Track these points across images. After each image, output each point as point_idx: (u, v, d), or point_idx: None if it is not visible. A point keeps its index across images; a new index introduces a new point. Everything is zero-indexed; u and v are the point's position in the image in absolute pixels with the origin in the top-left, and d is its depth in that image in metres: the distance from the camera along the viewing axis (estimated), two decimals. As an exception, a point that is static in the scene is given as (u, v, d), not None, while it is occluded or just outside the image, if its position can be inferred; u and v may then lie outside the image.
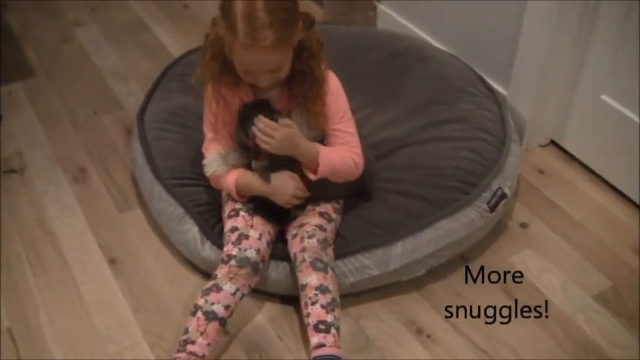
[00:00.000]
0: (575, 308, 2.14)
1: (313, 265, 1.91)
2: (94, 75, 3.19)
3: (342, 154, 1.99)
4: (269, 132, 1.87)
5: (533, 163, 2.67)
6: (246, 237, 1.96)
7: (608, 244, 2.35)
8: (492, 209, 2.21)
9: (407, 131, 2.43)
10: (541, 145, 2.75)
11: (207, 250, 2.14)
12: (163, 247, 2.34)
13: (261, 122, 1.86)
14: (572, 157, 2.68)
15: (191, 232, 2.18)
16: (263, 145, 1.86)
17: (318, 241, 1.96)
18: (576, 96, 2.57)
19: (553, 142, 2.74)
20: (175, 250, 2.29)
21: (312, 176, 1.97)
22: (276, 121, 1.88)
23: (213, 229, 2.16)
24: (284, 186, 1.98)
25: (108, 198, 2.55)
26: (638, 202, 2.46)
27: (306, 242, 1.95)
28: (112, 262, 2.31)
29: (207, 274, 2.08)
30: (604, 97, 2.46)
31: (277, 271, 2.08)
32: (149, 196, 2.35)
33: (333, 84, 1.98)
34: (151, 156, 2.36)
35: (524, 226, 2.41)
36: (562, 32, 2.40)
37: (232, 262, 1.91)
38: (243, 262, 1.91)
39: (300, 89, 1.92)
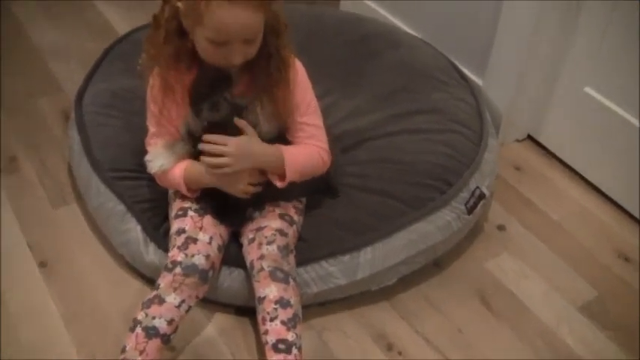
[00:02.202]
0: (558, 319, 1.97)
1: (273, 275, 1.70)
2: (29, 53, 2.91)
3: (307, 151, 1.79)
4: (219, 149, 1.69)
5: (509, 159, 2.50)
6: (194, 241, 1.73)
7: (590, 248, 2.19)
8: (470, 211, 2.02)
9: (374, 122, 2.24)
10: (517, 140, 2.59)
11: (152, 254, 1.91)
12: (102, 248, 2.10)
13: (207, 140, 1.70)
14: (550, 154, 2.53)
15: (133, 232, 1.94)
16: (217, 171, 1.72)
17: (279, 247, 1.74)
18: (557, 87, 2.40)
19: (530, 137, 2.59)
20: (116, 253, 2.05)
21: (279, 184, 1.77)
22: (236, 106, 1.69)
23: (158, 229, 1.93)
24: (237, 174, 1.75)
25: (40, 191, 2.29)
26: (622, 203, 2.31)
27: (265, 249, 1.73)
28: (42, 265, 2.05)
29: (152, 281, 1.85)
30: (588, 89, 2.29)
31: (231, 279, 1.85)
32: (86, 190, 2.10)
33: (299, 71, 1.79)
34: (88, 144, 2.11)
35: (501, 228, 2.24)
36: (545, 18, 2.22)
37: (177, 269, 1.69)
38: (190, 269, 1.69)
39: (264, 73, 1.71)
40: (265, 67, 1.70)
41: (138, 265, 1.98)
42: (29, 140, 2.48)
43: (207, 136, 1.69)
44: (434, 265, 2.07)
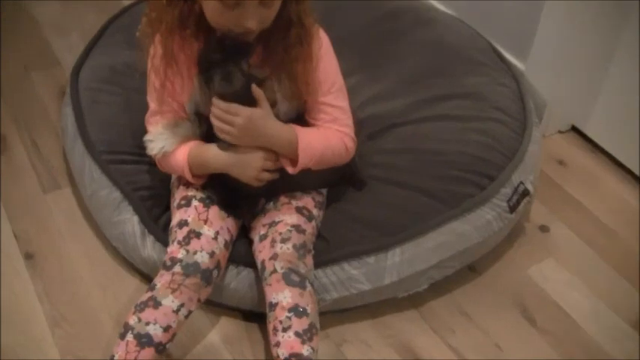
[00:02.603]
0: (609, 336, 1.74)
1: (287, 279, 1.47)
2: (28, 25, 2.72)
3: (328, 135, 1.57)
4: (228, 118, 1.46)
5: (551, 153, 2.27)
6: (198, 235, 1.51)
7: (644, 255, 1.95)
8: (513, 209, 1.79)
9: (403, 106, 2.00)
10: (560, 132, 2.36)
11: (149, 248, 1.68)
12: (96, 239, 1.89)
13: (218, 107, 1.47)
14: (596, 147, 2.30)
15: (129, 223, 1.71)
16: (222, 136, 1.50)
17: (295, 246, 1.51)
18: (606, 75, 2.17)
19: (574, 129, 2.36)
20: (111, 245, 1.83)
21: (290, 169, 1.55)
22: (253, 78, 1.46)
23: (157, 220, 1.71)
24: (249, 158, 1.53)
25: (31, 174, 2.09)
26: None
27: (279, 248, 1.51)
28: (28, 257, 1.85)
29: (150, 278, 1.63)
30: (642, 76, 2.03)
31: (238, 280, 1.63)
32: (79, 175, 1.88)
33: (323, 42, 1.56)
34: (82, 124, 1.89)
35: (543, 229, 2.01)
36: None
37: (177, 268, 1.47)
38: (191, 268, 1.47)
39: (283, 44, 1.48)
40: (284, 38, 1.47)
41: (134, 261, 1.76)
42: (21, 118, 2.28)
43: (217, 102, 1.46)
44: (469, 269, 1.85)
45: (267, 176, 1.54)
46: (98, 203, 1.79)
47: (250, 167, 1.52)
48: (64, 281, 1.78)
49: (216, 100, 1.46)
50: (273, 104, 1.52)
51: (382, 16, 2.30)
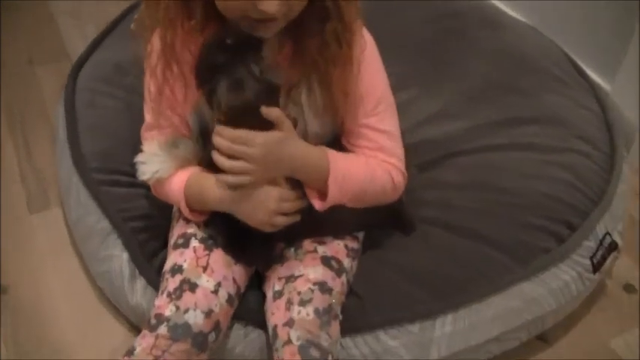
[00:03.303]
0: None
1: (304, 353, 1.13)
2: (40, 13, 2.48)
3: (371, 165, 1.22)
4: (239, 151, 1.12)
5: (637, 190, 1.90)
6: (192, 287, 1.19)
7: None
8: (597, 268, 1.45)
9: (464, 130, 1.65)
10: (649, 166, 1.97)
11: (139, 295, 1.37)
12: (82, 273, 1.60)
13: (222, 137, 1.12)
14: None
15: (117, 260, 1.40)
16: (236, 181, 1.15)
17: (317, 312, 1.17)
18: None
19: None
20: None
21: (317, 204, 1.20)
22: (269, 85, 1.12)
23: (152, 259, 1.39)
24: (260, 197, 1.18)
25: (19, 188, 1.81)
26: None
27: (297, 312, 1.17)
28: (2, 291, 1.56)
29: (140, 330, 1.29)
30: None
31: (245, 344, 1.30)
32: (65, 195, 1.57)
33: (368, 45, 1.21)
34: (75, 131, 1.60)
35: (629, 289, 1.66)
36: None
37: (162, 329, 1.15)
38: (180, 331, 1.14)
39: (316, 41, 1.14)
40: (318, 33, 1.13)
41: (120, 307, 1.44)
42: (17, 119, 2.02)
43: (222, 130, 1.12)
44: (537, 339, 1.49)
45: (282, 221, 1.19)
46: (83, 232, 1.49)
47: (261, 210, 1.17)
48: (37, 323, 1.49)
49: (220, 129, 1.11)
50: (297, 121, 1.18)
51: (441, 17, 1.98)
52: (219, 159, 1.13)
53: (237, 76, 1.09)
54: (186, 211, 1.24)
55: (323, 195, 1.20)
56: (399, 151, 1.24)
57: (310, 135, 1.22)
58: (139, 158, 1.25)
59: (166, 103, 1.23)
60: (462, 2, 2.02)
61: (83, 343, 1.44)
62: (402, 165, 1.24)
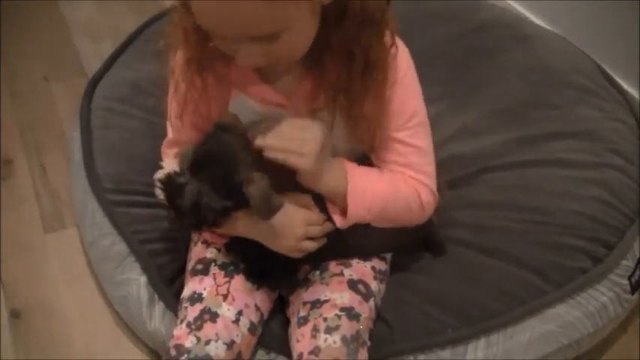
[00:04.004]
0: None
1: (331, 383, 1.05)
2: (56, 28, 2.40)
3: (397, 182, 1.15)
4: (293, 145, 1.05)
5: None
6: (213, 317, 1.13)
7: None
8: (635, 288, 1.37)
9: (496, 145, 1.58)
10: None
11: (157, 320, 1.31)
12: (99, 297, 1.54)
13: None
14: None
15: (134, 284, 1.34)
16: (293, 162, 1.05)
17: (344, 339, 1.10)
18: None
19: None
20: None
21: (338, 221, 1.14)
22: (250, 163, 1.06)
23: (171, 283, 1.34)
24: (287, 222, 1.12)
25: (34, 207, 1.75)
26: None
27: (323, 340, 1.10)
28: (14, 314, 1.50)
29: (159, 356, 1.30)
30: None
31: (268, 371, 1.22)
32: (81, 216, 1.52)
33: (403, 61, 1.13)
34: (89, 152, 1.54)
35: None
36: None
37: (183, 360, 1.06)
38: (202, 364, 1.07)
39: (341, 76, 1.06)
40: (344, 67, 1.06)
41: (138, 332, 1.39)
42: (32, 138, 1.95)
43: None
44: (571, 361, 1.41)
45: (310, 246, 1.13)
46: (99, 254, 1.43)
47: (288, 235, 1.12)
48: (52, 350, 1.44)
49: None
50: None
51: (468, 31, 1.89)
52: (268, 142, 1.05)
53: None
54: (206, 233, 1.19)
55: (341, 211, 1.14)
56: (429, 168, 1.17)
57: (340, 150, 1.16)
58: (157, 175, 1.20)
59: (189, 116, 1.18)
60: (490, 13, 1.94)
61: (100, 370, 1.40)
62: (432, 183, 1.17)
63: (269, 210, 1.04)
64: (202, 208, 1.04)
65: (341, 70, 1.06)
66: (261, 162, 1.04)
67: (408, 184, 1.16)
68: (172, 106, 1.20)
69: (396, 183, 1.15)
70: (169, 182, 1.06)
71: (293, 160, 1.03)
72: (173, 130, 1.22)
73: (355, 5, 0.99)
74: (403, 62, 1.12)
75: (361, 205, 1.12)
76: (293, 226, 1.12)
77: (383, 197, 1.14)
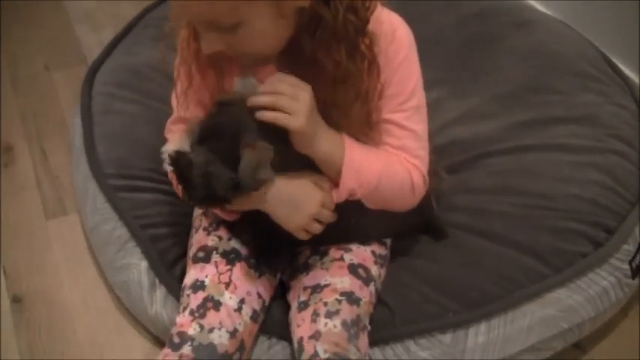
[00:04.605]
0: None
1: (331, 367, 1.05)
2: (57, 17, 2.40)
3: (391, 160, 1.14)
4: (282, 100, 1.03)
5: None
6: (217, 305, 1.13)
7: None
8: (636, 272, 1.37)
9: (496, 130, 1.58)
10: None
11: (159, 304, 1.32)
12: (100, 282, 1.54)
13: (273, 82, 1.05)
14: None
15: (135, 269, 1.35)
16: (281, 120, 1.03)
17: (344, 324, 1.10)
18: None
19: None
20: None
21: (334, 193, 1.13)
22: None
23: (172, 267, 1.34)
24: (303, 197, 1.12)
25: (35, 194, 1.76)
26: None
27: (323, 324, 1.11)
28: (15, 300, 1.51)
29: (162, 342, 1.30)
30: None
31: (269, 356, 1.24)
32: (82, 202, 1.53)
33: (405, 43, 1.12)
34: (91, 137, 1.55)
35: None
36: None
37: (186, 348, 1.09)
38: (205, 352, 1.09)
39: (313, 84, 1.06)
40: (316, 75, 1.06)
41: (139, 317, 1.39)
42: (33, 125, 1.96)
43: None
44: (572, 346, 1.40)
45: (317, 228, 1.13)
46: (100, 240, 1.44)
47: (301, 212, 1.11)
48: (54, 336, 1.44)
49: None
50: None
51: (469, 16, 1.89)
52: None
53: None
54: (216, 210, 1.19)
55: (333, 183, 1.13)
56: (423, 153, 1.16)
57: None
58: (166, 148, 1.18)
59: (195, 93, 1.18)
60: (493, 1, 1.94)
61: (101, 355, 1.39)
62: (424, 168, 1.16)
63: (253, 178, 1.02)
64: (212, 180, 1.03)
65: (314, 78, 1.06)
66: (269, 136, 1.04)
67: (402, 165, 1.14)
68: (180, 83, 1.19)
69: (391, 160, 1.14)
70: (178, 157, 1.06)
71: (282, 118, 1.02)
72: (179, 107, 1.22)
73: (329, 18, 0.99)
74: (404, 43, 1.11)
75: (355, 178, 1.11)
76: (310, 202, 1.11)
77: (377, 174, 1.12)
